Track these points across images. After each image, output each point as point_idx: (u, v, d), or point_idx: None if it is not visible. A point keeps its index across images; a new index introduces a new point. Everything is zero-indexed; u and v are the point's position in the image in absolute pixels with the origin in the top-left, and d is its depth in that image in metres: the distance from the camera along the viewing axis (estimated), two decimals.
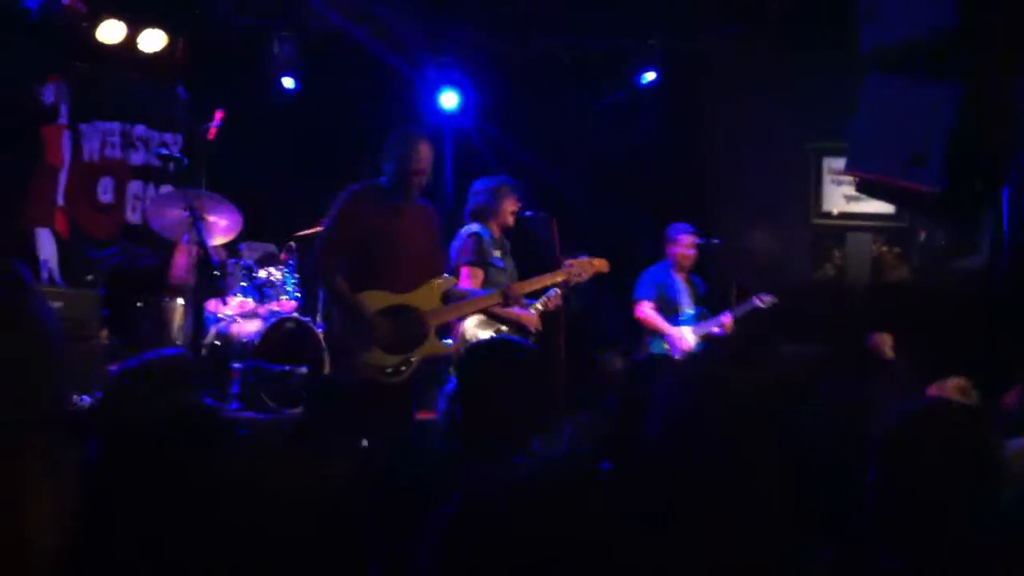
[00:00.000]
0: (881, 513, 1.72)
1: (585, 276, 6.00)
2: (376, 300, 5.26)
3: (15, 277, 0.81)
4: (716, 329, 7.54)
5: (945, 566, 1.65)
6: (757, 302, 7.60)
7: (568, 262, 6.00)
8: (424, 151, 5.44)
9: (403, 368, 5.25)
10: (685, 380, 1.69)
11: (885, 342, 6.50)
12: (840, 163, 8.15)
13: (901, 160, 3.88)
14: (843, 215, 9.07)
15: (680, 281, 7.74)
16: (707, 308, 7.74)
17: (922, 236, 8.83)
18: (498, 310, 5.88)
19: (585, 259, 6.02)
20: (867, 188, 4.79)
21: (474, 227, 6.24)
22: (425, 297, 5.42)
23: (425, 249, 5.51)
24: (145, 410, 2.75)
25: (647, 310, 7.61)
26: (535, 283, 5.95)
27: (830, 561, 1.66)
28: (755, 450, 1.59)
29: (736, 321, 7.56)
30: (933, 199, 4.07)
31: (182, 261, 7.11)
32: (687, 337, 7.52)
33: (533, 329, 6.04)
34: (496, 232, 6.31)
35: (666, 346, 7.50)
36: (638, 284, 7.75)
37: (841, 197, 9.01)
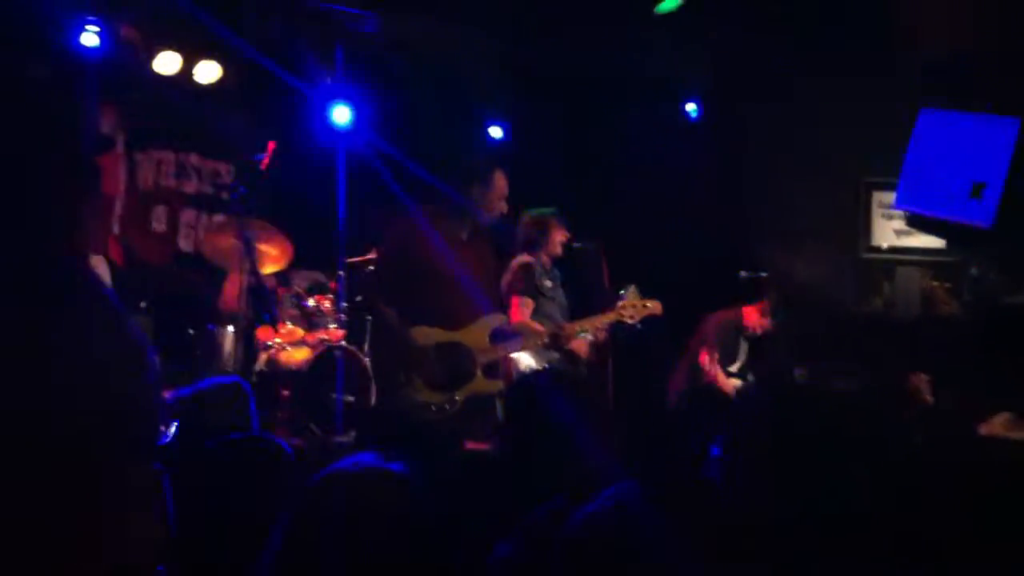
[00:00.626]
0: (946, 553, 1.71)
1: (637, 318, 5.91)
2: (426, 336, 5.27)
3: (115, 307, 0.84)
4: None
5: None
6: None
7: (621, 303, 5.94)
8: (502, 182, 5.48)
9: (447, 407, 5.25)
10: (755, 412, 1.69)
11: (923, 384, 6.39)
12: (890, 197, 8.12)
13: (955, 196, 3.85)
14: (893, 249, 9.01)
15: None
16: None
17: (973, 271, 8.75)
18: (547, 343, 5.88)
19: (638, 300, 5.93)
20: (918, 223, 4.76)
21: (525, 257, 6.26)
22: (475, 334, 5.42)
23: (481, 277, 5.52)
24: (201, 437, 2.78)
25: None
26: (585, 324, 5.94)
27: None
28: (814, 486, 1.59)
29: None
30: (985, 235, 4.03)
31: (233, 289, 7.18)
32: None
33: (584, 357, 6.04)
34: (546, 262, 6.33)
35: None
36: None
37: (891, 231, 8.96)
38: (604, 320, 5.97)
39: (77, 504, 0.74)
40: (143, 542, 0.78)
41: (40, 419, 0.73)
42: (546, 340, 5.66)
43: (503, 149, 9.18)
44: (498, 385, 5.48)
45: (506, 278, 6.21)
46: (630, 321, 5.91)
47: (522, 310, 6.10)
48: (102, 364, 0.74)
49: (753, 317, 7.56)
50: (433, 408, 5.21)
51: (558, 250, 6.38)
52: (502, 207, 5.57)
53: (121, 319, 0.83)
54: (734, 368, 7.52)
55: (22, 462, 0.72)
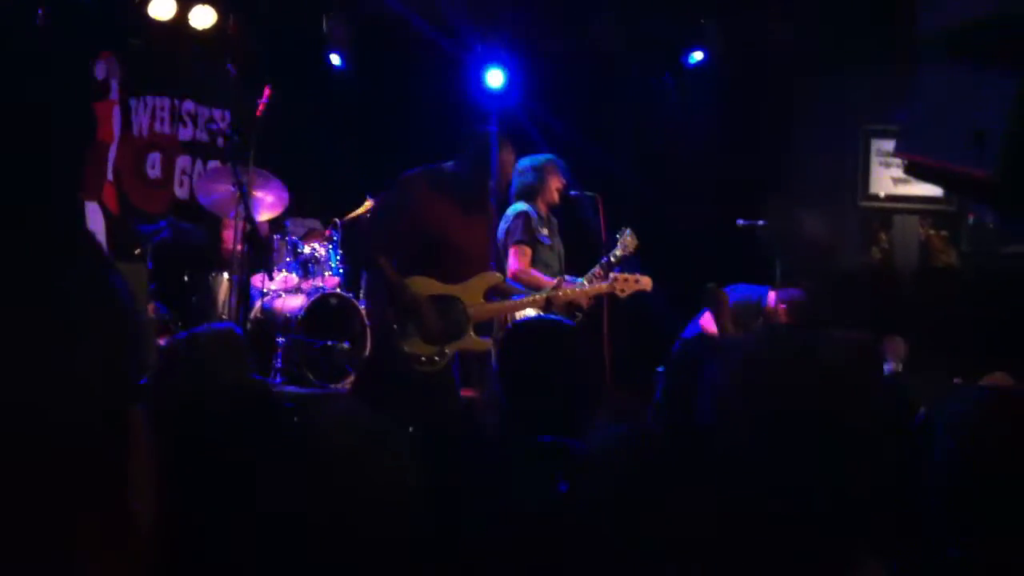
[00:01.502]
0: (946, 502, 1.71)
1: (628, 292, 6.00)
2: (423, 286, 5.26)
3: (99, 251, 0.82)
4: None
5: (1014, 556, 1.63)
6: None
7: (613, 275, 5.99)
8: (510, 158, 5.49)
9: (437, 359, 5.25)
10: (742, 364, 1.68)
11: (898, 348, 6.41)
12: (889, 145, 8.09)
13: (954, 143, 3.81)
14: (890, 198, 8.98)
15: None
16: None
17: (971, 220, 8.74)
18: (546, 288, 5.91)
19: (631, 275, 6.01)
20: (916, 171, 4.72)
21: (521, 206, 6.24)
22: (471, 290, 5.41)
23: (481, 243, 5.51)
24: (195, 384, 2.78)
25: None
26: (579, 294, 5.94)
27: (886, 552, 1.65)
28: (806, 438, 1.58)
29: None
30: (986, 184, 4.00)
31: (230, 235, 7.17)
32: None
33: (586, 305, 6.03)
34: (543, 210, 6.31)
35: None
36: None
37: (889, 180, 8.92)
38: (597, 291, 5.98)
39: (73, 458, 0.73)
40: (144, 487, 0.77)
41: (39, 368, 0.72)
42: (541, 304, 5.65)
43: (502, 98, 9.14)
44: (487, 345, 5.45)
45: (503, 227, 6.19)
46: (621, 295, 5.98)
47: (520, 259, 6.08)
48: (92, 314, 0.73)
49: (775, 304, 7.49)
50: (423, 359, 5.20)
51: (555, 198, 6.35)
52: (503, 183, 5.67)
53: (107, 269, 0.82)
54: None
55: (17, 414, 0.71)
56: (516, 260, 6.07)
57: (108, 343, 0.76)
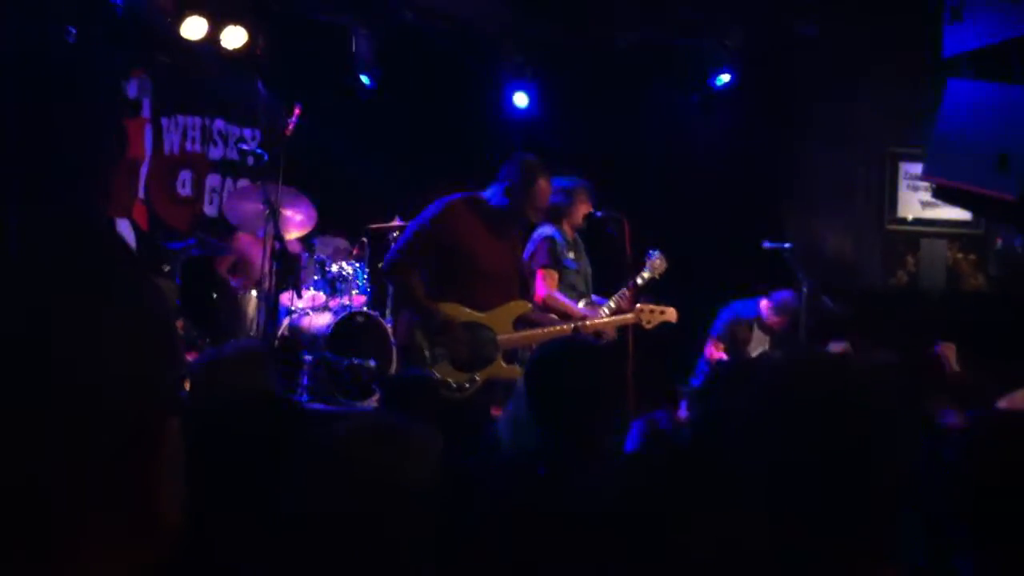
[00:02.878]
0: (956, 512, 1.71)
1: (653, 324, 6.03)
2: (454, 313, 5.29)
3: (135, 262, 0.85)
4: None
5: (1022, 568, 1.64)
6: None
7: (639, 306, 6.03)
8: (546, 189, 5.52)
9: (467, 386, 5.27)
10: (774, 387, 1.69)
11: (951, 353, 6.34)
12: (917, 168, 8.06)
13: (982, 167, 3.81)
14: (918, 221, 8.95)
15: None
16: None
17: (999, 243, 8.69)
18: (576, 315, 5.94)
19: (656, 307, 6.04)
20: (944, 194, 4.73)
21: (547, 230, 6.25)
22: (500, 319, 5.43)
23: (510, 272, 5.54)
24: (222, 401, 2.81)
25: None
26: (607, 323, 5.98)
27: (896, 561, 1.66)
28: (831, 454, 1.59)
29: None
30: (1014, 207, 4.00)
31: (258, 254, 7.22)
32: None
33: (613, 335, 6.06)
34: (569, 233, 6.33)
35: None
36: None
37: (917, 203, 8.89)
38: (623, 321, 6.02)
39: (109, 461, 0.76)
40: (174, 495, 0.80)
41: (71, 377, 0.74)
42: (568, 333, 5.66)
43: (527, 117, 9.19)
44: (517, 372, 5.45)
45: (529, 251, 6.21)
46: (647, 327, 6.01)
47: (548, 283, 6.11)
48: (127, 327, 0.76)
49: (767, 312, 7.53)
50: (453, 386, 5.22)
51: (580, 221, 6.38)
52: (540, 213, 5.68)
53: (144, 278, 0.84)
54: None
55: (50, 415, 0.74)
56: (543, 285, 6.09)
57: (150, 350, 0.78)
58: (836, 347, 6.12)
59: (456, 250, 5.33)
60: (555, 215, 6.30)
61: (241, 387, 3.06)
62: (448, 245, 5.34)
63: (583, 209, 6.37)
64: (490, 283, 5.39)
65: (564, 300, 6.11)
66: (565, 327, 5.68)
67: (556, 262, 6.18)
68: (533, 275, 6.14)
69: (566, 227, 6.33)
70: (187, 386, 3.04)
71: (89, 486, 0.73)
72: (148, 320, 0.78)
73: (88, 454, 0.73)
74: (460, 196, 5.51)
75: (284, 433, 2.34)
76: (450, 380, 5.23)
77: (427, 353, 5.26)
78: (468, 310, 5.32)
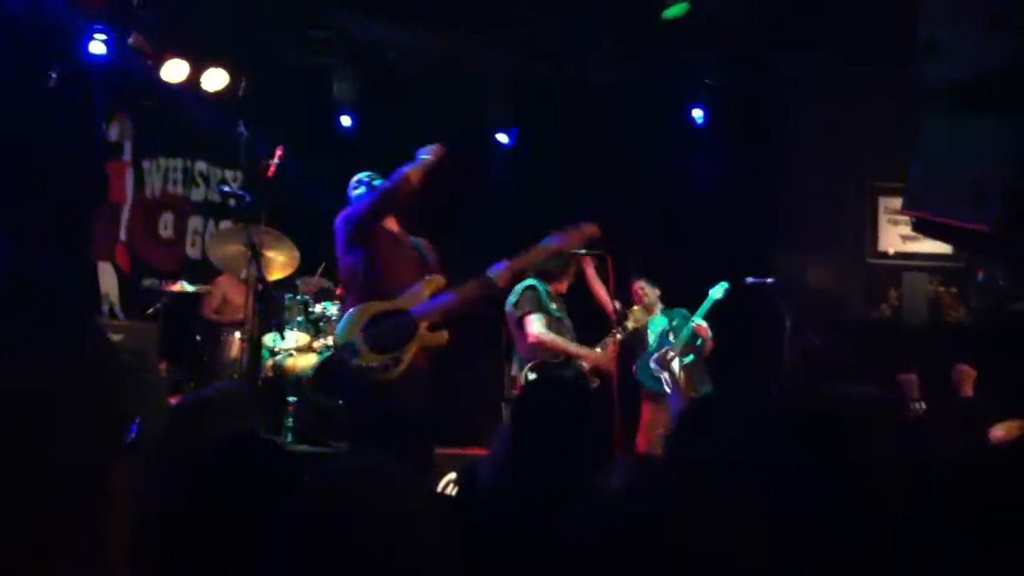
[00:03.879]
0: (950, 544, 1.72)
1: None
2: (366, 311, 5.29)
3: (82, 308, 0.84)
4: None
5: None
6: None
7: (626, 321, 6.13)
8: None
9: (391, 364, 5.22)
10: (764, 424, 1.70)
11: (968, 377, 6.23)
12: (897, 203, 8.11)
13: (957, 198, 3.84)
14: (899, 255, 9.00)
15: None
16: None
17: (980, 276, 8.74)
18: (572, 351, 5.96)
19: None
20: (924, 228, 4.74)
21: (530, 281, 6.24)
22: (414, 297, 5.40)
23: (423, 268, 5.54)
24: (206, 442, 2.79)
25: None
26: (600, 358, 6.06)
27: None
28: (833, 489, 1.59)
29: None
30: (992, 239, 4.02)
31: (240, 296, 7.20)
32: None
33: (610, 368, 6.08)
34: (553, 291, 6.33)
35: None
36: None
37: (897, 237, 8.95)
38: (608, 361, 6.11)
39: (50, 505, 0.75)
40: (121, 541, 0.78)
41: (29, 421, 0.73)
42: (482, 291, 5.54)
43: (509, 155, 9.22)
44: (444, 336, 5.38)
45: (511, 300, 6.22)
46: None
47: (537, 324, 6.11)
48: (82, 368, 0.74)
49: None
50: (375, 366, 5.19)
51: (564, 289, 6.40)
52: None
53: (84, 323, 0.83)
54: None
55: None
56: (534, 327, 6.10)
57: (84, 397, 0.77)
58: (906, 378, 6.02)
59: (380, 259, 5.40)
60: (546, 274, 6.26)
61: (225, 429, 3.04)
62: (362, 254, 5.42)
63: (570, 279, 6.40)
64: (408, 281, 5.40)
65: (557, 339, 6.11)
66: (477, 286, 5.51)
67: (542, 307, 6.18)
68: (520, 322, 6.14)
69: (552, 287, 6.33)
70: (139, 429, 3.02)
71: (36, 542, 0.72)
72: (87, 371, 0.77)
73: (34, 508, 0.71)
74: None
75: (268, 475, 2.33)
76: (371, 364, 5.19)
77: (348, 355, 5.26)
78: (379, 302, 5.31)
